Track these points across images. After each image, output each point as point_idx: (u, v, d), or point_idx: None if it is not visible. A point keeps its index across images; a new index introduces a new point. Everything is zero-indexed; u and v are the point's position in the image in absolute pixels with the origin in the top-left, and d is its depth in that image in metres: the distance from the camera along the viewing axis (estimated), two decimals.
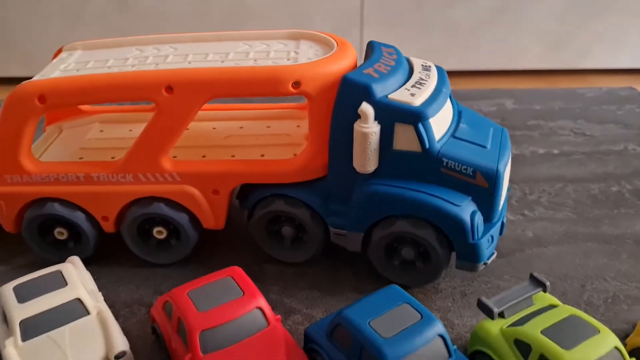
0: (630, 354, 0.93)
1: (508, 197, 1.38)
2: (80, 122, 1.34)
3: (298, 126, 1.28)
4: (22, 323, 0.90)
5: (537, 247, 1.24)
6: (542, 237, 1.28)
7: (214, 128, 1.30)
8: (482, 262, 1.07)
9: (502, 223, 1.13)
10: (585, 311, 1.08)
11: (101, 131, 1.31)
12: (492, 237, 1.09)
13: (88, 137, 1.29)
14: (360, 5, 2.36)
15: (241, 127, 1.30)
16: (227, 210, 1.16)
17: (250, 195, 1.16)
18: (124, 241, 1.18)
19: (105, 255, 1.21)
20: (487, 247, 1.08)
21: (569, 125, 1.73)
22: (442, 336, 0.86)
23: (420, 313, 0.87)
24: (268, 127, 1.29)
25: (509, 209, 1.36)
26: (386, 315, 0.87)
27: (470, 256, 1.07)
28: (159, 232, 1.17)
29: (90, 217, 1.15)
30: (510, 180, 1.46)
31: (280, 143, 1.22)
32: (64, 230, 1.17)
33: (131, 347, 0.93)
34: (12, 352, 0.88)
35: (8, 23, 2.17)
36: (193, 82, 1.04)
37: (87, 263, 1.13)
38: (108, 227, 1.16)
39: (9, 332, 0.91)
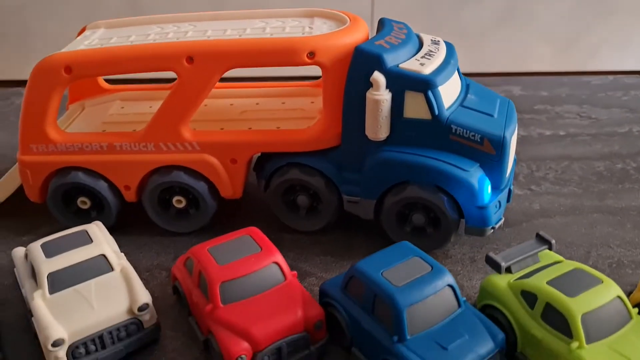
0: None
1: (515, 174, 1.42)
2: (102, 99, 1.39)
3: (312, 102, 1.33)
4: (49, 276, 0.94)
5: (543, 218, 1.28)
6: (549, 209, 1.31)
7: (231, 104, 1.34)
8: (490, 227, 1.11)
9: (509, 190, 1.17)
10: None
11: (122, 108, 1.36)
12: (499, 202, 1.12)
13: (110, 112, 1.34)
14: (371, 6, 2.40)
15: (257, 103, 1.34)
16: (244, 180, 1.20)
17: (266, 165, 1.21)
18: (145, 211, 1.23)
19: (126, 225, 1.26)
20: (495, 212, 1.12)
21: (575, 110, 1.77)
22: (451, 286, 0.90)
23: (430, 265, 0.91)
24: (283, 103, 1.34)
25: (517, 185, 1.40)
26: (397, 267, 0.91)
27: (478, 220, 1.10)
28: (179, 201, 1.21)
29: (112, 186, 1.20)
30: (517, 159, 1.49)
31: (294, 117, 1.27)
32: (87, 200, 1.22)
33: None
34: (40, 303, 0.93)
35: (27, 28, 2.22)
36: (213, 53, 1.09)
37: (109, 232, 1.18)
38: (130, 196, 1.21)
39: (37, 286, 0.95)
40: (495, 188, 1.12)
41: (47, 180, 1.21)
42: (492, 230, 1.12)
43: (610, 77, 2.00)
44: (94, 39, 1.21)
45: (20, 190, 1.30)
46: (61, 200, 1.22)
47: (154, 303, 1.01)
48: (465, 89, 1.18)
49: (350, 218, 1.23)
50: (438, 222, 1.14)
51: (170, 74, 1.12)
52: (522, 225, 1.25)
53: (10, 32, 2.11)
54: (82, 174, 1.18)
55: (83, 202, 1.22)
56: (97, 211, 1.23)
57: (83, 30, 1.29)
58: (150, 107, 1.35)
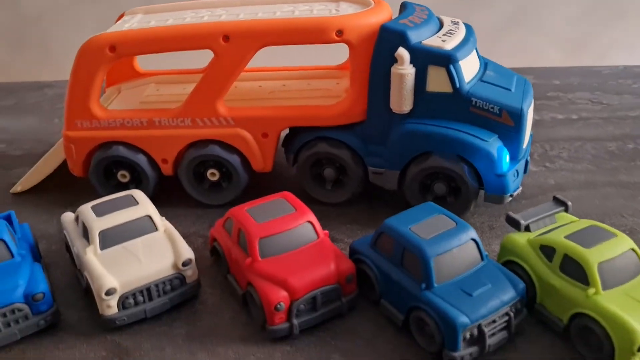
0: None
1: (530, 153, 1.49)
2: (138, 83, 1.47)
3: (337, 83, 1.40)
4: (100, 233, 1.02)
5: (558, 192, 1.34)
6: (563, 183, 1.37)
7: (260, 86, 1.42)
8: (509, 194, 1.17)
9: (526, 161, 1.23)
10: None
11: (157, 90, 1.44)
12: (517, 172, 1.19)
13: (146, 94, 1.42)
14: None
15: (284, 85, 1.42)
16: (274, 154, 1.28)
17: (295, 140, 1.28)
18: (181, 184, 1.30)
19: (163, 198, 1.32)
20: (513, 181, 1.18)
21: (587, 96, 1.83)
22: (475, 240, 0.96)
23: (455, 221, 0.98)
24: (308, 84, 1.41)
25: (532, 162, 1.46)
26: (424, 222, 0.98)
27: (497, 188, 1.17)
28: (212, 174, 1.29)
29: (151, 160, 1.27)
30: (532, 140, 1.56)
31: (320, 96, 1.34)
32: (126, 173, 1.29)
33: None
34: (92, 258, 1.00)
35: (45, 33, 2.30)
36: (247, 32, 1.17)
37: None
38: (167, 169, 1.29)
39: (89, 243, 1.02)
40: (513, 158, 1.18)
41: (89, 155, 1.29)
42: (510, 198, 1.19)
43: (621, 66, 2.06)
44: (134, 23, 1.29)
45: (60, 168, 1.38)
46: (102, 174, 1.30)
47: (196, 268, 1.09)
48: (484, 66, 1.25)
49: (375, 190, 1.29)
50: (459, 191, 1.20)
51: (200, 62, 1.19)
52: (538, 198, 1.31)
53: (30, 39, 2.20)
54: (123, 148, 1.26)
55: (123, 176, 1.30)
56: (136, 184, 1.30)
57: (122, 16, 1.38)
58: (184, 89, 1.42)
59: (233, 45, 1.17)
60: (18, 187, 1.40)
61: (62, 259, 1.17)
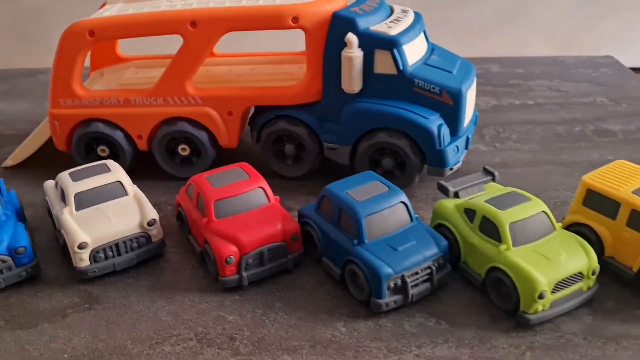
0: (568, 230, 1.13)
1: (482, 135, 1.60)
2: (119, 67, 1.60)
3: (300, 68, 1.52)
4: (76, 196, 1.14)
5: (503, 169, 1.44)
6: (509, 161, 1.49)
7: (230, 70, 1.54)
8: (449, 167, 1.29)
9: (467, 138, 1.34)
10: None
11: (136, 73, 1.56)
12: (457, 147, 1.30)
13: (126, 76, 1.54)
14: None
15: (252, 69, 1.54)
16: (239, 131, 1.40)
17: (258, 118, 1.40)
18: (155, 159, 1.43)
19: (139, 172, 1.45)
20: (453, 155, 1.30)
21: (546, 84, 1.94)
22: (404, 203, 1.08)
23: (387, 186, 1.10)
24: (275, 68, 1.53)
25: (482, 143, 1.57)
26: (360, 188, 1.10)
27: (438, 162, 1.29)
28: (183, 149, 1.41)
29: (127, 136, 1.40)
30: (487, 124, 1.67)
31: (284, 79, 1.46)
32: (105, 148, 1.42)
33: None
34: (68, 217, 1.13)
35: (43, 22, 2.42)
36: (212, 18, 1.29)
37: None
38: (142, 144, 1.41)
39: (66, 205, 1.15)
40: (454, 134, 1.30)
41: (72, 131, 1.41)
42: (450, 171, 1.30)
43: (585, 56, 2.16)
44: (114, 10, 1.42)
45: (47, 145, 1.51)
46: (84, 149, 1.42)
47: (164, 231, 1.21)
48: (430, 51, 1.37)
49: (331, 166, 1.41)
50: (404, 165, 1.32)
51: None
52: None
53: (27, 28, 2.33)
54: (102, 124, 1.39)
55: (102, 150, 1.42)
56: (114, 159, 1.42)
57: (104, 4, 1.50)
58: (160, 72, 1.53)
59: (199, 30, 1.29)
60: (9, 162, 1.53)
61: (46, 224, 1.29)
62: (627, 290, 1.06)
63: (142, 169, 1.46)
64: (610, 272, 1.09)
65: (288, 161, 1.42)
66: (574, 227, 1.12)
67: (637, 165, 1.14)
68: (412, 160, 1.29)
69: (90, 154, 1.43)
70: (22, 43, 2.38)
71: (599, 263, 1.06)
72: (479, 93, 1.87)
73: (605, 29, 2.33)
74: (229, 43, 1.77)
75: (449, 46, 1.46)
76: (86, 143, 1.42)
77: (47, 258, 1.19)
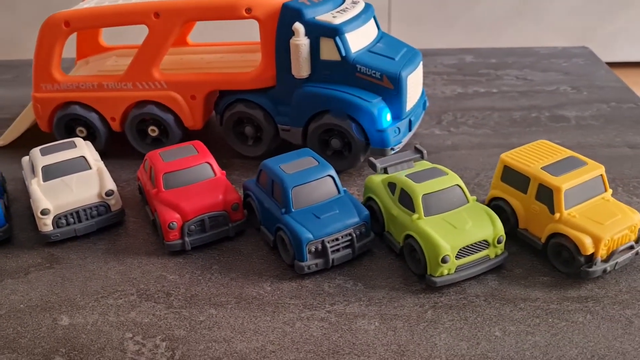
0: (489, 204, 1.22)
1: (439, 119, 1.68)
2: (102, 56, 1.73)
3: None
4: (43, 168, 1.28)
5: (451, 151, 1.54)
6: (459, 144, 1.57)
7: (201, 58, 1.66)
8: (390, 147, 1.38)
9: (410, 121, 1.43)
10: (473, 190, 1.37)
11: (116, 61, 1.69)
12: (398, 129, 1.39)
13: (106, 64, 1.67)
14: (388, 3, 2.59)
15: (221, 57, 1.65)
16: (203, 114, 1.51)
17: (220, 102, 1.51)
18: (127, 139, 1.55)
19: (114, 152, 1.58)
20: (394, 137, 1.39)
21: (515, 73, 2.00)
22: (332, 176, 1.18)
23: (318, 161, 1.20)
24: (242, 56, 1.64)
25: (438, 127, 1.66)
26: (293, 162, 1.20)
27: (379, 142, 1.38)
28: (152, 131, 1.53)
29: (102, 117, 1.53)
30: (447, 110, 1.75)
31: (249, 66, 1.56)
32: (83, 129, 1.55)
33: (123, 204, 1.30)
34: (35, 187, 1.26)
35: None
36: (173, 9, 1.40)
37: (100, 156, 1.50)
38: (115, 126, 1.54)
39: (34, 176, 1.28)
40: (396, 117, 1.39)
41: (53, 113, 1.55)
42: (392, 152, 1.39)
43: (559, 47, 2.21)
44: (92, 3, 1.55)
45: (35, 127, 1.65)
46: (64, 130, 1.56)
47: (127, 202, 1.34)
48: (378, 39, 1.46)
49: (288, 147, 1.51)
50: (350, 145, 1.41)
51: None
52: (431, 156, 1.51)
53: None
54: (79, 107, 1.52)
55: (80, 131, 1.56)
56: (91, 139, 1.56)
57: None
58: None
59: (162, 20, 1.41)
60: (0, 142, 1.68)
61: (24, 196, 1.43)
62: (536, 259, 1.14)
63: (117, 148, 1.60)
64: (524, 242, 1.17)
65: (249, 142, 1.53)
66: (494, 202, 1.21)
67: (556, 145, 1.22)
68: (356, 140, 1.39)
69: (70, 135, 1.57)
70: (27, 34, 2.55)
71: (515, 234, 1.14)
72: (447, 82, 1.95)
73: (617, 23, 2.33)
74: (206, 34, 1.89)
75: (460, 41, 1.53)
76: (66, 124, 1.55)
77: (20, 226, 1.32)
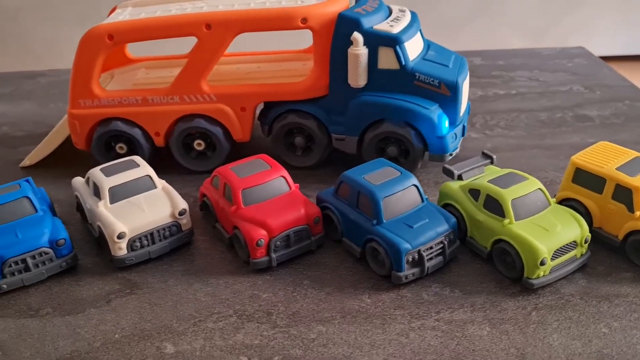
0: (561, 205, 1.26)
1: (472, 122, 1.72)
2: (129, 68, 1.67)
3: (304, 64, 1.62)
4: (110, 190, 1.22)
5: (494, 153, 1.56)
6: (498, 147, 1.62)
7: (238, 68, 1.63)
8: (449, 153, 1.41)
9: (464, 126, 1.46)
10: None
11: (147, 73, 1.64)
12: (455, 134, 1.42)
13: (137, 77, 1.62)
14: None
15: (258, 67, 1.63)
16: (252, 126, 1.49)
17: (269, 113, 1.49)
18: (171, 154, 1.51)
19: (156, 168, 1.52)
20: (452, 142, 1.42)
21: (526, 74, 2.08)
22: (416, 186, 1.19)
23: (399, 171, 1.21)
24: (280, 66, 1.63)
25: (473, 130, 1.70)
26: (375, 173, 1.21)
27: (439, 148, 1.40)
28: (199, 145, 1.49)
29: (145, 133, 1.48)
30: (475, 113, 1.80)
31: (289, 75, 1.56)
32: (124, 145, 1.50)
33: None
34: (104, 210, 1.21)
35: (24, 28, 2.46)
36: (226, 20, 1.38)
37: None
38: (159, 141, 1.49)
39: (100, 199, 1.23)
40: (452, 123, 1.42)
41: (91, 130, 1.48)
42: (450, 157, 1.42)
43: (558, 48, 2.31)
44: (126, 15, 1.49)
45: (60, 146, 1.57)
46: (103, 147, 1.49)
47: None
48: (427, 47, 1.48)
49: (339, 156, 1.52)
50: (407, 152, 1.43)
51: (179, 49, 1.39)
52: None
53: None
54: (121, 122, 1.46)
55: (120, 148, 1.50)
56: (132, 155, 1.50)
57: (114, 9, 1.57)
58: (170, 72, 1.62)
59: (214, 32, 1.38)
60: (27, 162, 1.59)
61: (73, 218, 1.37)
62: (615, 256, 1.20)
63: (158, 163, 1.54)
64: (599, 241, 1.22)
65: (298, 152, 1.52)
66: (565, 202, 1.25)
67: (618, 146, 1.28)
68: (415, 147, 1.41)
69: (109, 152, 1.51)
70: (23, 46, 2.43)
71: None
72: None
73: (573, 21, 2.48)
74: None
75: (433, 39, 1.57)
76: (105, 141, 1.49)
77: (81, 250, 1.26)
